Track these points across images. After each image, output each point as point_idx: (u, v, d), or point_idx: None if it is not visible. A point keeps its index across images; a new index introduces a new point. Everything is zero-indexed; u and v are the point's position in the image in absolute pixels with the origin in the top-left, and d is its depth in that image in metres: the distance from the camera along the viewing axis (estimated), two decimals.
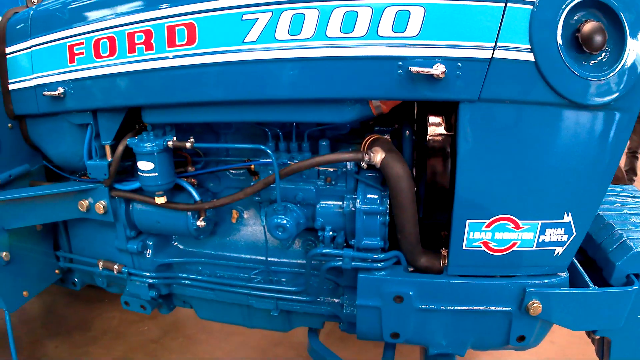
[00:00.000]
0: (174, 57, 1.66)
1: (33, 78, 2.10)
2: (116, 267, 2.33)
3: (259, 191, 1.90)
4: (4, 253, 2.35)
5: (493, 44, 1.38)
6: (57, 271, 2.69)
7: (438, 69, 1.39)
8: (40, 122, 2.30)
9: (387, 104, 1.69)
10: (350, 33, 1.47)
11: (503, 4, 1.35)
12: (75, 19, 1.90)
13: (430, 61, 1.42)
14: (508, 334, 1.78)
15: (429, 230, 1.97)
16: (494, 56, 1.39)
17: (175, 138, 1.92)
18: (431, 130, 1.76)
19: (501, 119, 1.49)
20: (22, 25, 2.13)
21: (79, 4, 1.90)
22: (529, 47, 1.37)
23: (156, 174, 1.93)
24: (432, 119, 1.79)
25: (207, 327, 3.56)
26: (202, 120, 1.89)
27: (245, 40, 1.56)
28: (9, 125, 2.33)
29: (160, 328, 3.63)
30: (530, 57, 1.38)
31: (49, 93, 2.01)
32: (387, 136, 1.92)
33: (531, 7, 1.34)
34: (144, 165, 1.92)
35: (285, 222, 1.83)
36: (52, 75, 2.02)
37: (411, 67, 1.42)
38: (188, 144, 1.89)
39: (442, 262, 1.80)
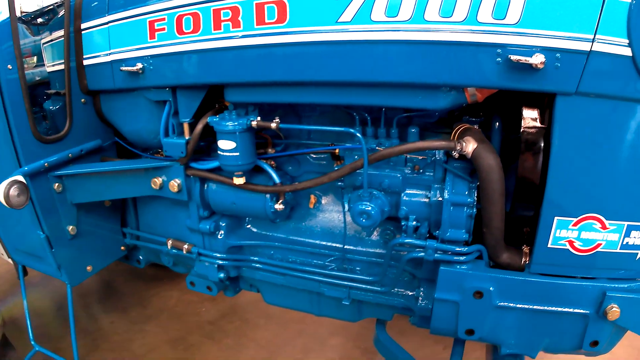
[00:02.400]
0: (265, 34, 1.70)
1: (110, 53, 2.19)
2: (186, 246, 2.43)
3: (344, 176, 1.93)
4: (70, 227, 2.49)
5: (592, 36, 1.38)
6: (122, 248, 2.83)
7: (537, 59, 1.40)
8: (114, 98, 2.40)
9: (482, 92, 1.69)
10: (449, 17, 1.48)
11: None
12: None
13: (529, 50, 1.43)
14: (582, 337, 1.79)
15: (508, 226, 1.98)
16: (592, 49, 1.39)
17: (259, 118, 1.98)
18: (524, 122, 1.76)
19: (596, 114, 1.49)
20: (99, 1, 2.21)
21: None
22: (627, 41, 1.36)
23: (237, 154, 2.00)
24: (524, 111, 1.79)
25: (266, 312, 3.69)
26: (289, 100, 1.93)
27: (339, 20, 1.59)
28: (82, 100, 2.44)
29: (218, 310, 3.78)
30: (628, 52, 1.37)
31: (126, 68, 2.10)
32: (477, 126, 1.92)
33: (629, 0, 1.33)
34: (225, 145, 1.99)
35: (370, 209, 1.86)
36: (131, 50, 2.10)
37: (511, 56, 1.43)
38: (273, 125, 1.93)
39: (523, 259, 1.81)
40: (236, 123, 1.95)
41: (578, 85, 1.44)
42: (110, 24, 2.16)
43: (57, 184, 2.38)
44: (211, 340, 3.47)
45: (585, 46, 1.39)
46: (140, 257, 2.95)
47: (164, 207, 2.55)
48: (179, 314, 3.77)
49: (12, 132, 2.21)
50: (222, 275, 2.40)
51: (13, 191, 2.10)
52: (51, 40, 2.51)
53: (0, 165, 2.32)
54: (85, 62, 2.34)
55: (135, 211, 2.73)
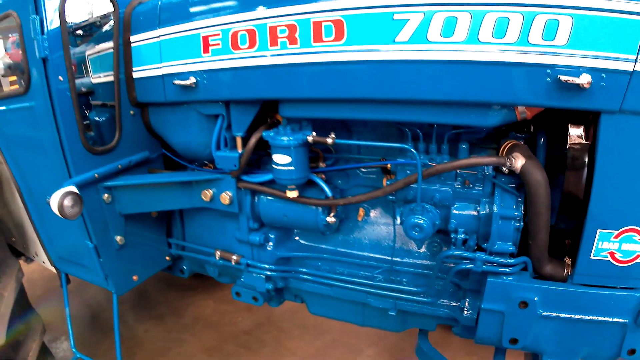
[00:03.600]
0: (322, 52, 1.82)
1: (161, 67, 2.33)
2: (234, 257, 2.56)
3: (397, 190, 2.04)
4: (119, 237, 2.65)
5: (635, 57, 1.47)
6: (167, 258, 2.99)
7: (584, 79, 1.50)
8: (164, 110, 2.55)
9: (531, 110, 1.80)
10: (502, 39, 1.58)
11: None
12: (211, 11, 2.09)
13: (576, 70, 1.53)
14: (620, 346, 1.88)
15: (551, 238, 2.07)
16: (635, 69, 1.48)
17: (314, 133, 2.10)
18: (570, 139, 1.85)
19: (639, 131, 1.58)
20: (149, 15, 2.36)
21: None
22: None
23: (292, 168, 2.12)
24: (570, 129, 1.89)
25: (302, 323, 3.82)
26: (344, 116, 2.04)
27: (396, 40, 1.70)
28: (131, 112, 2.59)
29: (254, 320, 3.92)
30: None
31: (179, 82, 2.23)
32: (522, 142, 2.02)
33: None
34: (280, 159, 2.11)
35: (422, 222, 1.96)
36: (183, 64, 2.24)
37: (560, 76, 1.53)
38: (329, 140, 2.05)
39: (566, 270, 1.91)
40: (292, 138, 2.08)
41: (622, 104, 1.54)
42: (161, 38, 2.31)
43: (106, 195, 2.53)
44: (248, 350, 3.61)
45: (628, 66, 1.48)
46: (184, 267, 3.11)
47: (211, 219, 2.69)
48: (214, 324, 3.92)
49: (63, 142, 2.37)
50: (269, 286, 2.52)
51: (67, 202, 2.24)
52: (97, 52, 2.68)
53: (51, 176, 2.50)
54: (135, 75, 2.48)
55: (181, 222, 2.88)
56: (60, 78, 2.29)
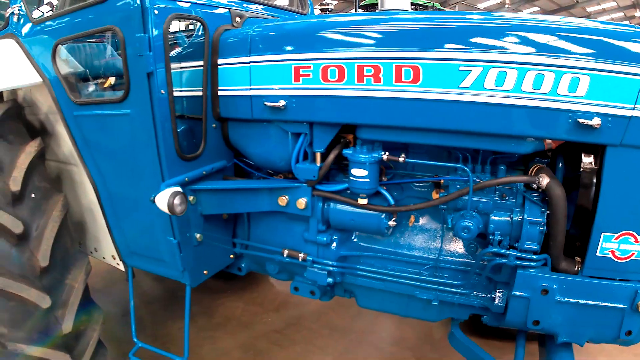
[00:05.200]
0: (401, 90, 2.54)
1: (250, 89, 3.01)
2: (301, 255, 3.24)
3: (450, 201, 2.76)
4: (198, 235, 3.29)
5: (633, 105, 2.16)
6: (231, 256, 3.65)
7: (596, 121, 2.20)
8: (245, 126, 3.23)
9: (555, 142, 2.60)
10: (538, 90, 2.31)
11: None
12: (303, 48, 2.80)
13: (590, 115, 2.23)
14: (619, 329, 2.55)
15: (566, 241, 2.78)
16: (632, 114, 2.17)
17: (387, 153, 2.83)
18: (583, 165, 2.56)
19: (634, 159, 2.31)
20: (239, 42, 3.04)
21: (311, 35, 2.81)
22: None
23: (367, 180, 2.85)
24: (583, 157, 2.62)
25: (329, 323, 4.52)
26: (412, 141, 2.76)
27: (460, 86, 2.42)
28: (214, 125, 3.26)
29: (283, 321, 4.59)
30: None
31: (270, 104, 2.91)
32: (544, 165, 2.76)
33: None
34: (358, 172, 2.84)
35: (471, 225, 2.68)
36: (273, 89, 2.92)
37: (579, 119, 2.26)
38: (401, 159, 2.79)
39: (576, 266, 2.61)
40: (369, 156, 2.81)
41: (622, 139, 2.24)
42: (252, 64, 2.98)
43: (192, 197, 3.15)
44: (280, 347, 4.26)
45: (627, 112, 2.18)
46: (243, 265, 3.78)
47: (279, 221, 3.38)
48: (245, 323, 4.56)
49: (160, 149, 2.93)
50: (330, 280, 3.21)
51: (177, 201, 2.81)
52: (179, 68, 3.29)
53: (146, 177, 3.07)
54: (220, 93, 3.15)
55: (248, 224, 3.56)
56: (162, 92, 2.85)
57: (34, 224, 3.15)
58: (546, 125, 2.36)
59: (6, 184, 3.09)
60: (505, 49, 2.34)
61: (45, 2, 4.72)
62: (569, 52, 2.25)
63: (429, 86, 2.49)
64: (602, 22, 2.35)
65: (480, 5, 43.97)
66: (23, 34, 3.67)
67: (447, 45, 2.44)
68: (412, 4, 19.36)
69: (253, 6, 3.74)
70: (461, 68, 2.40)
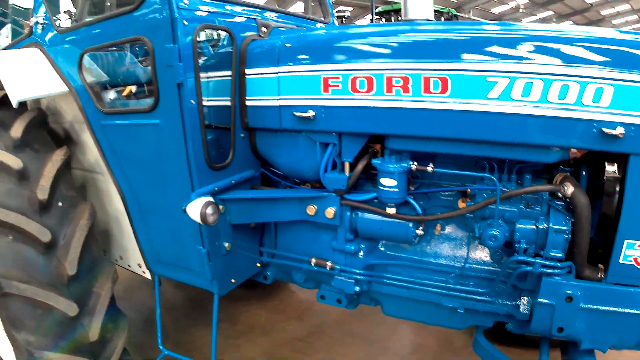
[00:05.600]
0: (429, 101, 2.61)
1: (279, 99, 3.10)
2: (329, 264, 3.32)
3: (478, 209, 2.84)
4: (227, 244, 3.37)
5: None
6: (258, 265, 3.74)
7: (619, 131, 2.25)
8: (272, 135, 3.31)
9: (580, 151, 2.65)
10: (563, 100, 2.37)
11: None
12: (332, 59, 2.88)
13: (614, 124, 2.28)
14: None
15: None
16: None
17: (416, 162, 2.91)
18: (606, 173, 2.62)
19: None
20: (267, 53, 3.12)
21: (340, 45, 2.90)
22: None
23: (397, 190, 2.93)
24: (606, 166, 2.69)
25: (351, 331, 4.60)
26: (440, 151, 2.83)
27: (487, 96, 2.49)
28: (242, 135, 3.34)
29: (305, 329, 4.67)
30: None
31: (299, 114, 3.00)
32: (568, 174, 2.81)
33: None
34: (387, 182, 2.92)
35: (497, 233, 2.75)
36: (302, 99, 3.01)
37: (603, 128, 2.32)
38: (429, 169, 2.88)
39: (599, 274, 2.66)
40: (398, 166, 2.89)
41: None
42: (280, 74, 3.06)
43: (221, 206, 3.22)
44: (303, 354, 4.34)
45: None
46: (268, 273, 3.87)
47: (306, 230, 3.46)
48: (268, 331, 4.65)
49: (190, 158, 2.99)
50: (357, 288, 3.28)
51: (209, 210, 2.88)
52: (206, 77, 3.37)
53: (175, 187, 3.15)
54: (248, 103, 3.24)
55: (275, 232, 3.65)
56: (192, 102, 2.91)
57: (61, 232, 3.24)
58: (571, 135, 2.42)
59: (33, 192, 3.17)
60: (532, 59, 2.41)
61: (63, 10, 4.84)
62: (593, 62, 2.32)
63: (457, 97, 2.56)
64: (624, 32, 2.43)
65: (495, 10, 43.93)
66: (47, 43, 3.77)
67: (474, 57, 2.52)
68: None
69: (273, 14, 3.83)
70: (488, 79, 2.47)
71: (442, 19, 19.80)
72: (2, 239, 3.04)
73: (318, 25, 4.50)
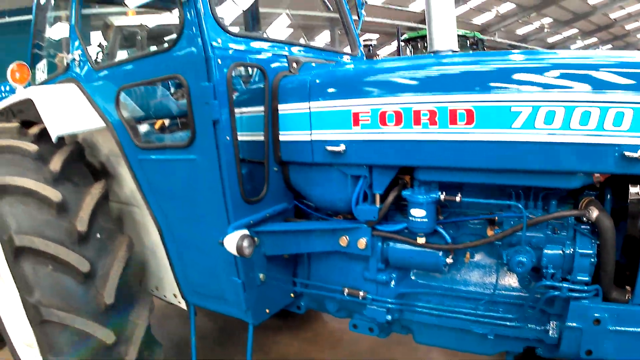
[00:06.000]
0: (456, 132, 2.73)
1: (311, 133, 3.26)
2: (361, 293, 3.42)
3: (506, 237, 2.93)
4: (261, 275, 3.51)
5: None
6: (292, 295, 3.85)
7: None
8: (304, 169, 3.47)
9: (603, 176, 2.72)
10: (585, 126, 2.46)
11: None
12: (361, 92, 3.02)
13: (636, 147, 2.34)
14: None
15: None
16: None
17: (444, 193, 3.02)
18: (630, 195, 2.71)
19: None
20: (298, 89, 3.29)
21: (368, 80, 3.06)
22: None
23: (426, 220, 3.05)
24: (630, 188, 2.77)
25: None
26: (468, 181, 2.95)
27: (512, 126, 2.60)
28: (275, 169, 3.50)
29: (338, 358, 4.74)
30: None
31: (332, 148, 3.15)
32: (593, 198, 2.89)
33: None
34: (417, 212, 3.04)
35: (525, 259, 2.84)
36: (334, 133, 3.16)
37: (624, 152, 2.36)
38: (457, 198, 2.99)
39: (627, 295, 2.72)
40: (427, 196, 3.01)
41: None
42: (312, 110, 3.22)
43: (256, 239, 3.33)
44: None
45: None
46: (302, 303, 3.98)
47: (339, 261, 3.58)
48: None
49: (225, 192, 3.14)
50: (389, 317, 3.36)
51: (245, 243, 3.05)
52: (241, 113, 3.52)
53: (211, 220, 3.30)
54: (281, 138, 3.40)
55: (309, 263, 3.78)
56: (227, 137, 3.05)
57: (99, 263, 3.41)
58: (594, 160, 2.49)
59: (73, 224, 3.36)
60: (553, 88, 2.50)
61: (95, 43, 5.07)
62: (612, 87, 2.39)
63: (483, 127, 2.68)
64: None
65: (520, 31, 43.97)
66: (84, 79, 3.99)
67: (498, 88, 2.63)
68: None
69: (303, 49, 4.02)
70: (512, 109, 2.57)
71: (468, 43, 19.92)
72: (43, 269, 3.21)
73: (346, 58, 4.69)
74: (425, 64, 3.04)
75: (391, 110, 2.92)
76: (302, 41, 4.34)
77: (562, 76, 2.51)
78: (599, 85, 2.42)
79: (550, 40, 49.24)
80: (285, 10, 5.92)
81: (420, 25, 27.88)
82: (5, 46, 19.75)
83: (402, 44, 20.44)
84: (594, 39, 49.77)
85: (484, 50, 21.26)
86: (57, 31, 5.17)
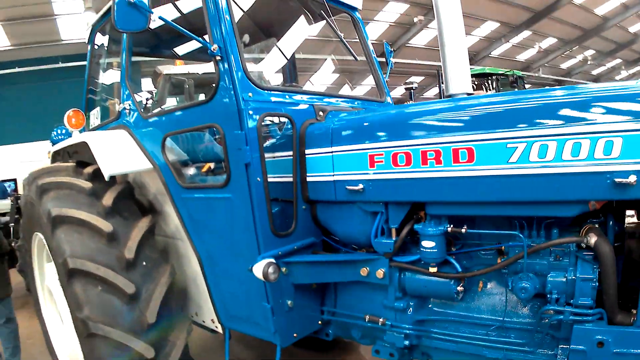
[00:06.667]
0: (459, 170, 3.01)
1: (334, 175, 3.61)
2: (381, 320, 3.68)
3: (509, 265, 3.16)
4: (289, 301, 3.83)
5: None
6: (320, 322, 4.15)
7: (632, 179, 2.41)
8: (329, 207, 3.82)
9: (599, 203, 2.87)
10: (577, 157, 2.55)
11: None
12: (375, 137, 3.36)
13: (627, 173, 2.43)
14: None
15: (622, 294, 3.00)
16: None
17: (452, 225, 3.28)
18: (626, 220, 2.90)
19: None
20: (322, 135, 3.67)
21: (380, 126, 3.39)
22: None
23: (436, 250, 3.29)
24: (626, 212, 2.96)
25: None
26: (473, 214, 3.19)
27: (509, 161, 2.83)
28: (303, 207, 3.87)
29: None
30: None
31: (351, 187, 3.48)
32: (596, 225, 3.07)
33: None
34: (427, 244, 3.30)
35: (527, 285, 3.03)
36: (353, 174, 3.49)
37: (615, 179, 2.45)
38: (463, 230, 3.23)
39: (632, 318, 2.68)
40: (435, 229, 3.27)
41: None
42: (334, 153, 3.58)
43: (284, 268, 3.70)
44: None
45: None
46: (330, 331, 4.25)
47: (361, 290, 3.87)
48: None
49: (257, 227, 3.53)
50: (407, 343, 3.58)
51: (271, 270, 3.41)
52: (273, 157, 3.94)
53: (244, 251, 3.67)
54: (309, 179, 3.77)
55: (335, 293, 4.09)
56: (258, 179, 3.44)
57: (144, 287, 3.84)
58: (587, 188, 2.63)
59: (122, 252, 3.82)
60: (544, 123, 2.69)
61: (145, 89, 5.56)
62: (601, 118, 2.54)
63: (482, 164, 2.90)
64: (628, 87, 2.63)
65: (564, 65, 43.68)
66: (133, 125, 4.49)
67: (494, 127, 2.85)
68: (491, 74, 19.87)
69: (332, 99, 4.44)
70: (508, 145, 2.78)
71: (509, 81, 20.01)
72: (93, 289, 3.66)
73: (373, 105, 5.03)
74: (428, 110, 3.33)
75: (401, 152, 3.23)
76: (346, 86, 4.73)
77: (552, 112, 2.71)
78: (588, 118, 2.58)
79: (595, 72, 48.79)
80: (327, 56, 6.36)
81: None
82: (57, 91, 21.04)
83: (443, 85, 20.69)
84: (638, 67, 49.06)
85: (524, 87, 21.26)
86: (109, 77, 5.77)
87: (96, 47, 5.67)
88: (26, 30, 20.53)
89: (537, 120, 2.74)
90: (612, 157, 2.51)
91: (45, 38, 21.63)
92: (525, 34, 32.92)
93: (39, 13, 19.79)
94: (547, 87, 3.62)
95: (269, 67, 5.77)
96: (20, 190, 13.68)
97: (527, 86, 24.35)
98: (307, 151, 3.75)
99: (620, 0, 30.89)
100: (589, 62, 41.51)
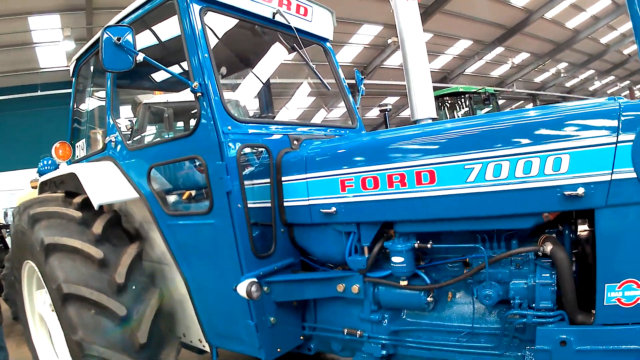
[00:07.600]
0: (422, 190, 3.26)
1: (309, 199, 3.87)
2: (358, 332, 3.89)
3: (473, 275, 3.39)
4: (272, 318, 4.05)
5: (610, 171, 2.56)
6: (301, 337, 4.36)
7: (580, 191, 2.61)
8: (305, 229, 4.06)
9: (552, 214, 3.09)
10: (528, 174, 2.79)
11: (614, 145, 2.56)
12: (345, 163, 3.64)
13: (575, 186, 2.64)
14: None
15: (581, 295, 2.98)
16: (612, 178, 2.56)
17: (419, 242, 3.52)
18: (579, 228, 3.09)
19: (620, 215, 2.63)
20: (297, 163, 3.93)
21: (349, 153, 3.68)
22: (632, 169, 2.53)
23: (405, 265, 3.52)
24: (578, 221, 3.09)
25: None
26: (437, 230, 3.44)
27: (467, 181, 3.00)
28: (282, 230, 4.12)
29: None
30: (633, 175, 2.54)
31: (325, 211, 3.74)
32: (554, 235, 3.29)
33: (631, 143, 2.52)
34: (397, 259, 3.53)
35: (491, 293, 3.25)
36: (326, 198, 3.75)
37: (565, 192, 2.66)
38: (428, 245, 3.48)
39: (592, 318, 2.82)
40: (403, 245, 3.50)
41: (606, 201, 2.61)
42: (308, 179, 3.85)
43: (266, 287, 3.95)
44: None
45: (607, 177, 2.58)
46: (312, 345, 4.44)
47: (338, 306, 4.10)
48: None
49: (239, 250, 3.76)
50: (384, 352, 3.80)
51: (254, 288, 3.66)
52: (252, 184, 4.18)
53: (228, 272, 3.89)
54: (286, 204, 4.02)
55: (315, 309, 4.32)
56: (239, 205, 3.67)
57: (134, 309, 4.05)
58: (539, 202, 2.85)
59: (112, 277, 4.04)
60: (497, 145, 2.93)
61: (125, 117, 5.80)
62: (548, 137, 2.76)
63: (443, 184, 3.14)
64: (571, 108, 2.85)
65: (537, 79, 44.27)
66: (119, 157, 4.72)
67: (452, 151, 3.10)
68: (464, 93, 20.23)
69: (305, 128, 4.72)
70: (466, 167, 3.02)
71: (482, 98, 20.38)
72: (86, 312, 3.88)
73: (345, 132, 5.36)
74: (393, 137, 3.61)
75: (369, 177, 3.49)
76: (322, 110, 4.97)
77: (504, 135, 2.94)
78: (537, 138, 2.80)
79: (569, 84, 49.38)
80: (303, 80, 6.61)
81: (439, 85, 28.76)
82: (36, 119, 21.04)
83: (446, 98, 20.82)
84: (611, 77, 49.93)
85: (497, 103, 21.57)
86: (94, 109, 6.04)
87: (80, 78, 5.92)
88: (4, 59, 20.69)
89: (491, 143, 2.97)
90: (561, 173, 2.73)
91: (24, 66, 21.85)
92: (499, 50, 33.40)
93: (18, 42, 19.99)
94: (510, 110, 3.91)
95: (245, 95, 6.03)
96: (0, 219, 13.73)
97: (500, 102, 24.69)
98: (283, 178, 3.99)
99: (590, 13, 31.57)
100: (562, 75, 42.14)
